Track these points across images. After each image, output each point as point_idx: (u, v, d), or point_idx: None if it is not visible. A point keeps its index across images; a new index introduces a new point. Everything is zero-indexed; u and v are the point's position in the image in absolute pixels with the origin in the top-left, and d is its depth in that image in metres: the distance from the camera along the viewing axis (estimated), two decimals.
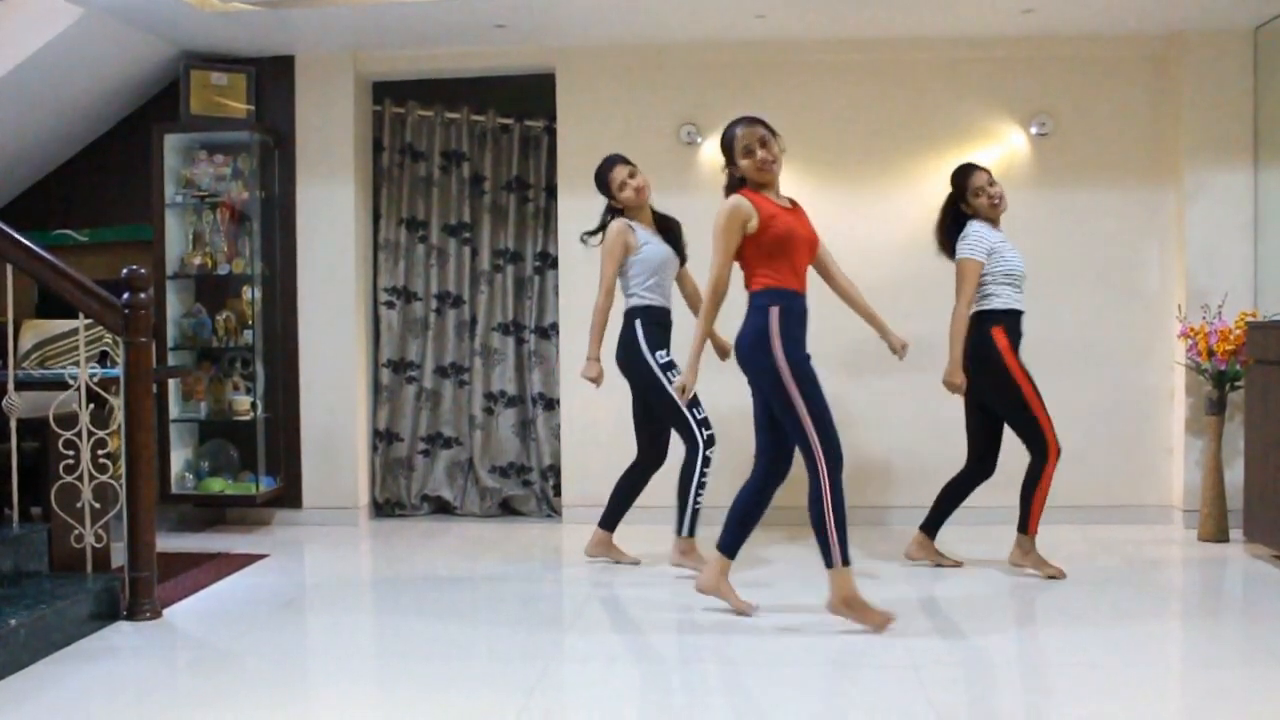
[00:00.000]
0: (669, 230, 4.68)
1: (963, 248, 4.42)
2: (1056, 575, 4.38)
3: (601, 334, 4.57)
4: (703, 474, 4.43)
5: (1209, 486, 5.08)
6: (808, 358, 3.72)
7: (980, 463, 4.54)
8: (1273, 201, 5.18)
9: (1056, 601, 4.15)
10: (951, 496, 4.60)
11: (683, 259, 4.69)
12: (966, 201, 4.46)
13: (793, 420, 3.66)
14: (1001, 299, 4.40)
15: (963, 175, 4.49)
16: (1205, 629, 3.95)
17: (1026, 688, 3.22)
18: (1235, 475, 5.06)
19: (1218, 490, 5.06)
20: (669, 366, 4.46)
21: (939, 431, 5.15)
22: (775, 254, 3.72)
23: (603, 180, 4.62)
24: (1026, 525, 4.46)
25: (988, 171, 4.48)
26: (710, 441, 4.44)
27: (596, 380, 4.58)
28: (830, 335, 4.88)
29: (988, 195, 4.41)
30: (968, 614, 3.95)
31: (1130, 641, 3.64)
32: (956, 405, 4.60)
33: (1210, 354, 5.01)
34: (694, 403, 4.41)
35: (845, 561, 3.66)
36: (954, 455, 4.66)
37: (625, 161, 4.61)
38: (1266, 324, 4.76)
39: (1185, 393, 5.33)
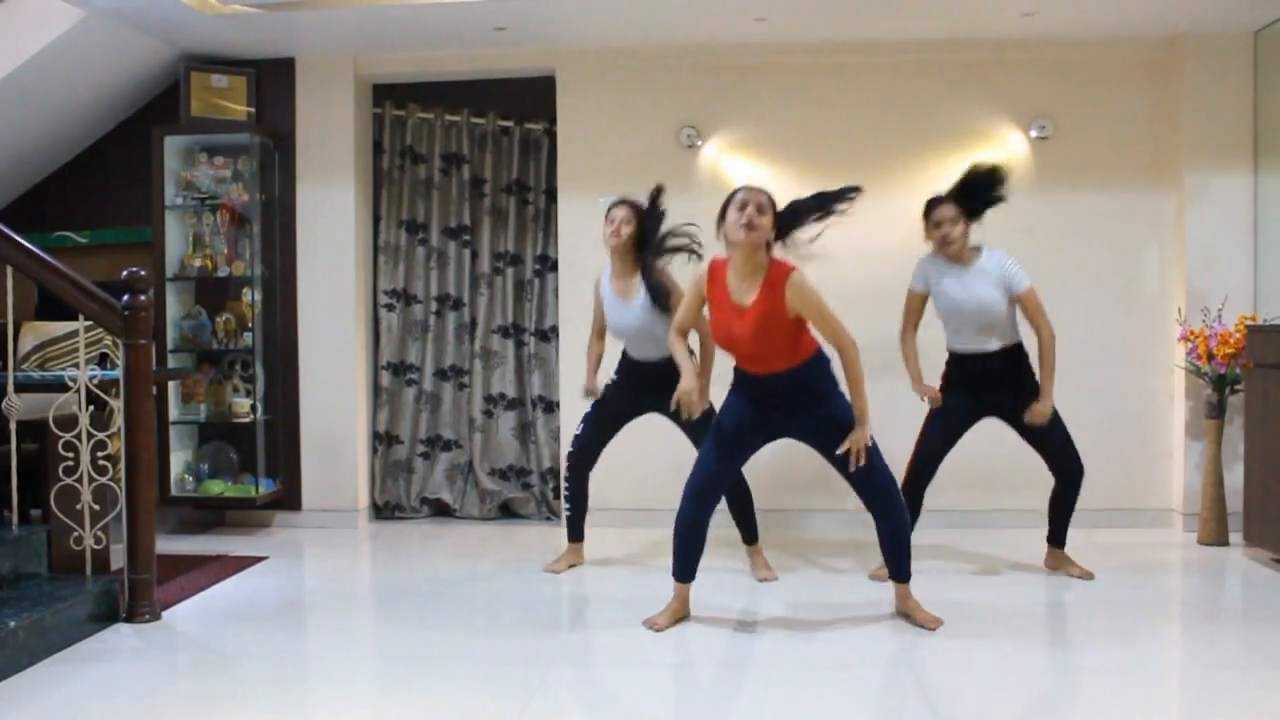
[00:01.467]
0: (653, 289, 4.41)
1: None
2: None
3: (591, 366, 4.72)
4: (564, 481, 4.84)
5: (1209, 490, 5.07)
6: (737, 425, 3.82)
7: (1051, 467, 4.46)
8: (1273, 205, 5.18)
9: (1056, 605, 4.15)
10: (1056, 507, 4.53)
11: (655, 304, 4.41)
12: (927, 231, 4.41)
13: None
14: (946, 339, 4.48)
15: (928, 206, 4.41)
16: (1205, 632, 3.95)
17: (1027, 691, 3.22)
18: (1235, 479, 5.06)
19: (1217, 493, 5.06)
20: (612, 383, 4.67)
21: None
22: (716, 333, 3.85)
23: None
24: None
25: (954, 208, 4.33)
26: (569, 458, 4.74)
27: (591, 394, 4.69)
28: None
29: (941, 234, 4.33)
30: (969, 618, 3.94)
31: (1130, 645, 3.64)
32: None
33: (1210, 357, 5.01)
34: (585, 419, 4.69)
35: (674, 575, 3.90)
36: (960, 456, 4.64)
37: (624, 204, 4.50)
38: (1266, 327, 4.76)
39: (1185, 396, 5.33)
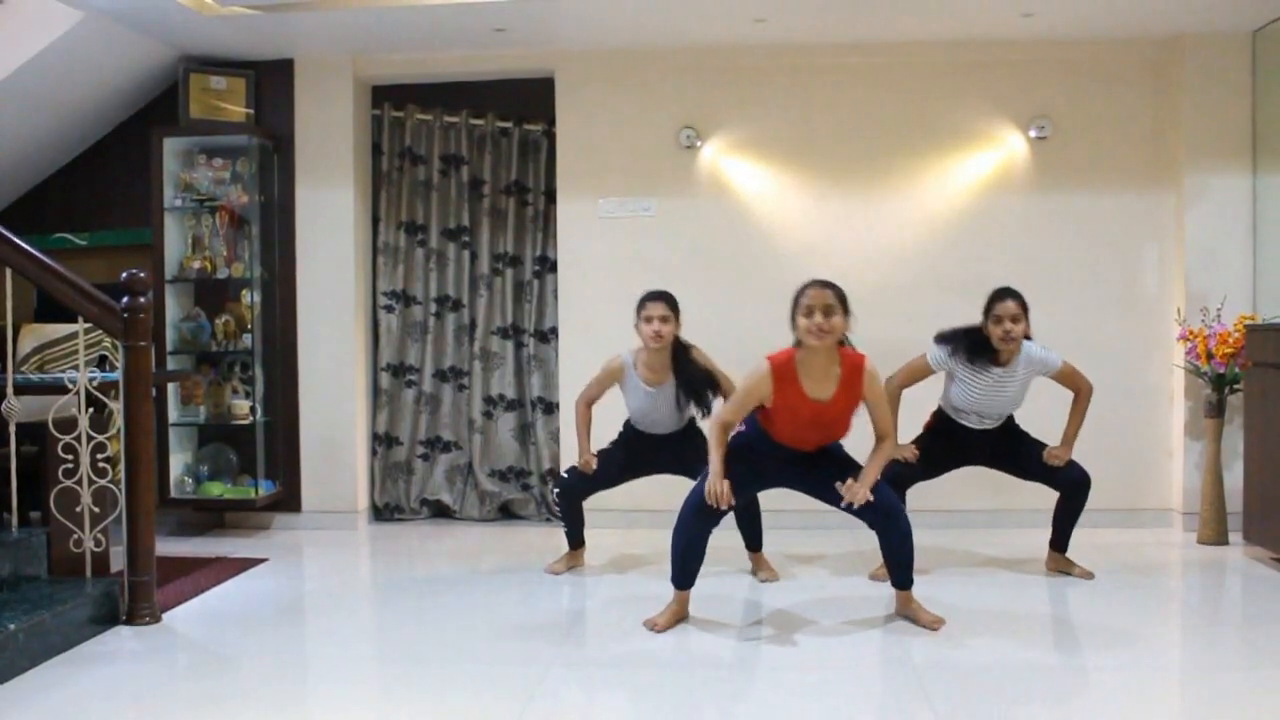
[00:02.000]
0: (686, 377, 4.44)
1: (932, 343, 4.44)
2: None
3: (581, 434, 4.65)
4: (555, 503, 4.95)
5: (1208, 489, 5.08)
6: (751, 469, 3.85)
7: (1055, 486, 4.46)
8: (1271, 204, 5.19)
9: (1057, 605, 4.15)
10: (1063, 514, 4.51)
11: (695, 406, 4.46)
12: (987, 323, 4.31)
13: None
14: (948, 407, 4.50)
15: (993, 298, 4.32)
16: (1205, 632, 3.95)
17: (1027, 692, 3.21)
18: (1234, 478, 5.06)
19: (1217, 493, 5.06)
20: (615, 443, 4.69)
21: None
22: (774, 419, 3.80)
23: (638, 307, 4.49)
24: None
25: (1019, 303, 4.28)
26: (560, 489, 4.71)
27: (588, 468, 4.63)
28: None
29: (1003, 328, 4.24)
30: (969, 620, 3.94)
31: (1130, 645, 3.65)
32: None
33: (1209, 357, 5.02)
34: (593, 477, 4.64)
35: (674, 583, 3.89)
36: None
37: (659, 300, 4.43)
38: (1265, 327, 4.76)
39: (1184, 395, 5.33)
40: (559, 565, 4.74)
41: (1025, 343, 4.35)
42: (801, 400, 3.73)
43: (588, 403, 4.66)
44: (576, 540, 4.78)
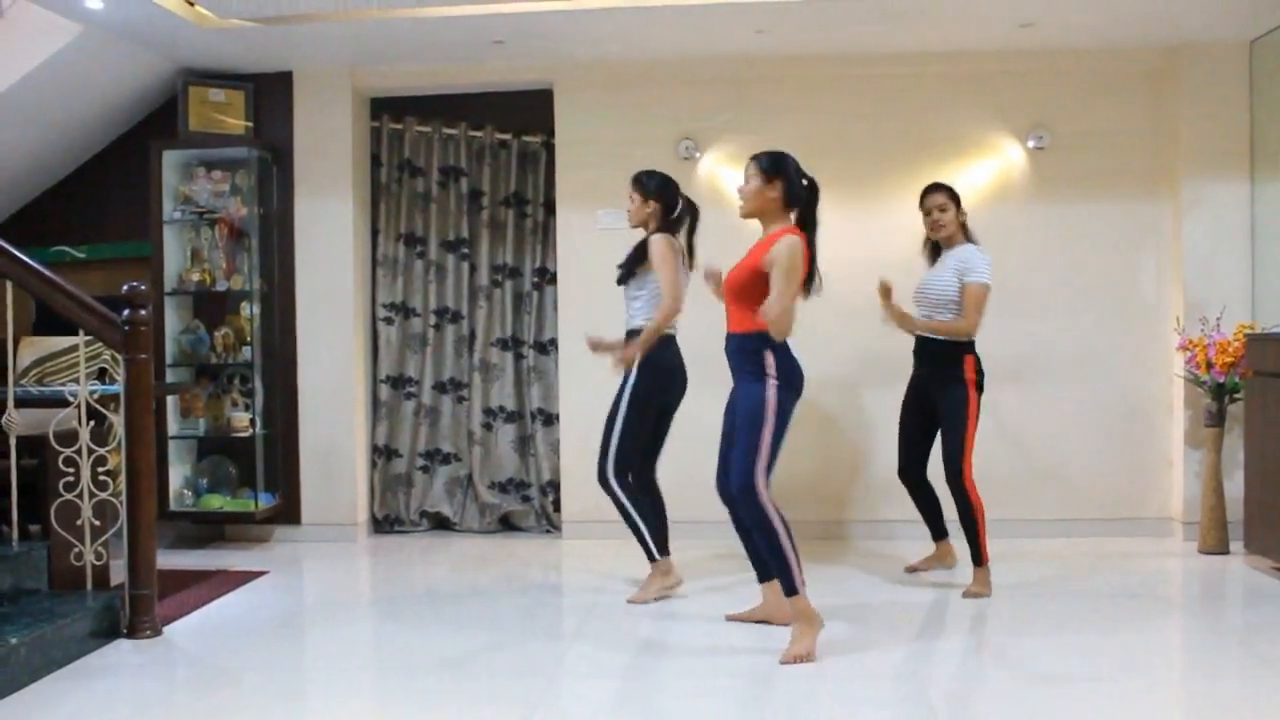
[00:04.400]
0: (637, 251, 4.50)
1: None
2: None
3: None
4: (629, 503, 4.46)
5: (1208, 498, 5.08)
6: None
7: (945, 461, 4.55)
8: (1269, 213, 5.20)
9: (1057, 613, 4.14)
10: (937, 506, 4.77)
11: (624, 276, 4.48)
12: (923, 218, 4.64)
13: None
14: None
15: (923, 194, 4.64)
16: (1205, 641, 3.95)
17: (1027, 699, 3.21)
18: (1235, 487, 5.06)
19: (1217, 502, 5.06)
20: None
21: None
22: None
23: None
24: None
25: (946, 194, 4.56)
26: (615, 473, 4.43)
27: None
28: (830, 352, 4.91)
29: (931, 219, 4.57)
30: (968, 624, 3.94)
31: (1131, 653, 3.65)
32: None
33: (1209, 366, 5.02)
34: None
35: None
36: None
37: (632, 183, 4.54)
38: (1265, 336, 4.77)
39: (1184, 405, 5.33)
40: (662, 585, 4.38)
41: (970, 245, 4.54)
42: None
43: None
44: (663, 545, 4.42)
